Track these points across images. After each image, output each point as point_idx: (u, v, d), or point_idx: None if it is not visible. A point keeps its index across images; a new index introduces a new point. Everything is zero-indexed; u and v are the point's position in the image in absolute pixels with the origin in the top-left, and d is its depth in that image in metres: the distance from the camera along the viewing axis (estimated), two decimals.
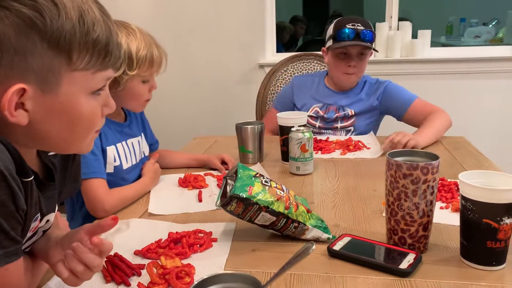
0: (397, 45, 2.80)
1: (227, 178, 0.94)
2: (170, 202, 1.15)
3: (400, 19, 2.89)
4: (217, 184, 1.26)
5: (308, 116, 1.78)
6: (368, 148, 1.55)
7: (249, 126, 1.44)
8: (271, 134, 1.81)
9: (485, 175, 0.81)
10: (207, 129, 2.89)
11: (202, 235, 0.93)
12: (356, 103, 1.80)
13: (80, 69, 0.60)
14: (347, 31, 1.68)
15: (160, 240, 0.91)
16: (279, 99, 1.98)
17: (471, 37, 4.00)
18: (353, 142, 1.57)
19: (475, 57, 2.79)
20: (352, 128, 1.79)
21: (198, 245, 0.88)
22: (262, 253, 0.86)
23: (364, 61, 1.75)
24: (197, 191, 1.21)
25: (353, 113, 1.79)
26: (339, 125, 1.79)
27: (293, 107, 1.88)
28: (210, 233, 0.94)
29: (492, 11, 4.16)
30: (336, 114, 1.80)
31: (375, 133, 1.81)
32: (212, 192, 1.20)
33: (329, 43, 1.76)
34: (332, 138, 1.68)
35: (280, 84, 2.22)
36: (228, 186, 0.93)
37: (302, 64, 2.25)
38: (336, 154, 1.51)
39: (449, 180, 1.16)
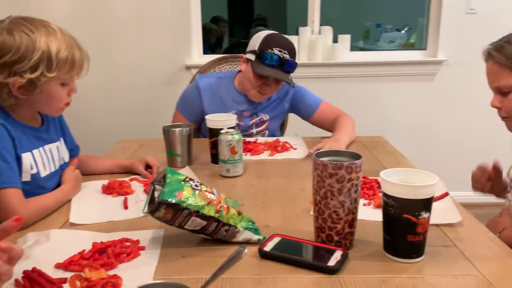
0: (318, 49, 2.90)
1: (155, 183, 0.91)
2: (94, 210, 1.10)
3: (321, 24, 2.99)
4: (144, 190, 1.21)
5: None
6: (295, 149, 1.59)
7: (177, 129, 1.42)
8: None
9: (404, 173, 0.86)
10: (133, 132, 2.80)
11: (129, 243, 0.89)
12: (269, 107, 1.83)
13: None
14: (273, 57, 1.63)
15: (83, 251, 0.86)
16: (184, 104, 1.82)
17: (386, 42, 4.25)
18: (281, 144, 1.60)
19: (390, 61, 2.97)
20: (266, 131, 1.84)
21: (125, 255, 0.85)
22: (193, 259, 0.85)
23: (280, 86, 1.74)
24: (122, 198, 1.16)
25: (267, 117, 1.82)
26: (254, 130, 1.82)
27: (201, 115, 1.76)
28: (138, 241, 0.90)
29: (405, 18, 4.45)
30: (252, 121, 1.81)
31: (283, 132, 1.87)
32: (138, 198, 1.16)
33: (251, 56, 1.69)
34: (261, 139, 1.70)
35: None
36: (156, 192, 0.90)
37: (228, 66, 2.25)
38: (265, 155, 1.53)
39: (370, 177, 1.22)
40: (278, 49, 1.64)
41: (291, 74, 1.69)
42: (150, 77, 2.90)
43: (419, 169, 0.87)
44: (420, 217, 0.79)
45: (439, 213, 0.96)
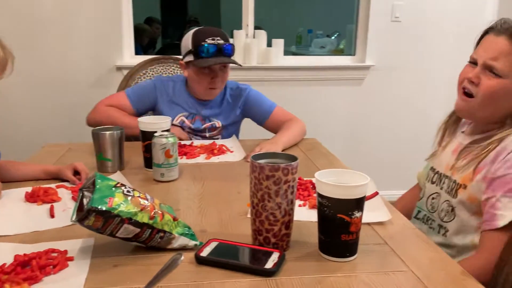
0: (253, 53, 2.92)
1: (84, 190, 0.86)
2: (16, 220, 1.02)
3: (255, 28, 3.02)
4: (72, 197, 1.15)
5: (174, 125, 1.73)
6: (232, 152, 1.58)
7: (107, 132, 1.35)
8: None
9: (337, 173, 0.88)
10: (59, 136, 2.65)
11: (55, 254, 0.84)
12: (221, 115, 1.81)
13: None
14: (209, 48, 1.65)
15: (4, 264, 0.79)
16: (137, 93, 1.80)
17: (317, 47, 4.38)
18: (217, 146, 1.59)
19: (321, 66, 3.06)
20: (219, 136, 1.82)
21: (51, 266, 0.79)
22: (126, 268, 0.81)
23: (227, 73, 1.76)
24: (48, 205, 1.08)
25: (220, 125, 1.81)
26: (207, 134, 1.80)
27: (151, 109, 1.80)
28: (65, 251, 0.85)
29: (335, 24, 4.62)
30: (204, 126, 1.79)
31: (238, 136, 1.87)
32: (66, 206, 1.09)
33: (189, 57, 1.70)
34: (197, 142, 1.68)
35: None
36: (85, 199, 0.85)
37: (161, 67, 2.20)
38: (201, 158, 1.51)
39: (305, 179, 1.24)
40: (210, 38, 1.66)
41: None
42: (78, 78, 2.77)
43: (351, 170, 0.90)
44: (353, 217, 0.81)
45: (370, 212, 0.99)
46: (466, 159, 1.11)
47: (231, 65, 1.73)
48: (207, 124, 1.79)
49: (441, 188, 1.20)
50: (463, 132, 1.21)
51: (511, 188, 1.00)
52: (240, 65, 1.75)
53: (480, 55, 1.07)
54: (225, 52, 1.67)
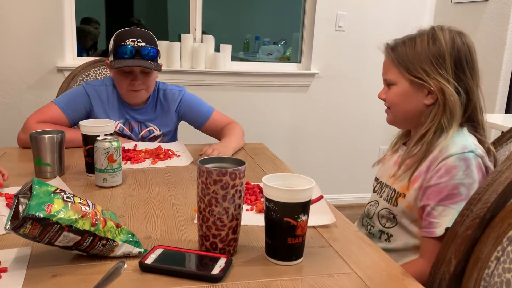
0: (201, 57, 2.91)
1: (19, 196, 0.81)
2: None
3: (203, 32, 3.01)
4: (6, 204, 1.08)
5: (115, 133, 1.67)
6: (178, 156, 1.56)
7: (46, 136, 1.29)
8: (40, 126, 1.52)
9: (283, 178, 0.89)
10: None
11: None
12: (157, 119, 1.77)
13: None
14: (127, 48, 1.59)
15: None
16: (70, 101, 1.68)
17: (264, 54, 4.43)
18: (163, 151, 1.56)
19: (268, 72, 3.10)
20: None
21: None
22: (65, 278, 0.77)
23: (150, 77, 1.68)
24: None
25: (159, 132, 1.77)
26: (146, 141, 1.76)
27: (86, 117, 1.68)
28: None
29: (281, 32, 4.70)
30: (142, 133, 1.75)
31: (176, 137, 1.85)
32: None
33: (111, 57, 1.65)
34: (141, 146, 1.63)
35: None
36: (20, 206, 0.80)
37: (105, 69, 2.14)
38: (147, 163, 1.47)
39: (252, 183, 1.25)
40: (130, 39, 1.61)
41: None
42: (14, 79, 2.64)
43: (297, 174, 0.91)
44: (299, 220, 0.82)
45: (315, 215, 1.01)
46: (403, 169, 1.16)
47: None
48: (145, 131, 1.75)
49: (381, 197, 1.25)
50: (404, 143, 1.27)
51: (444, 197, 1.05)
52: (157, 70, 1.65)
53: (382, 75, 1.22)
54: (145, 54, 1.61)
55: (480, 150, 1.08)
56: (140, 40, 1.61)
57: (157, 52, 1.66)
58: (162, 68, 1.72)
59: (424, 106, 1.14)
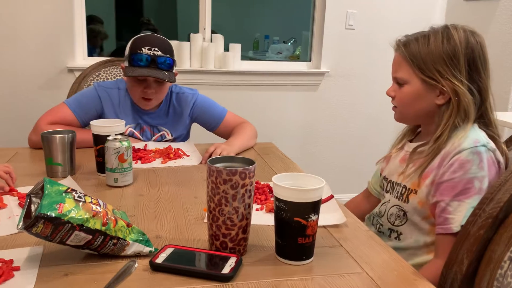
0: (211, 57, 2.91)
1: (31, 195, 0.82)
2: None
3: (212, 32, 3.01)
4: (19, 204, 1.09)
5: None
6: (188, 156, 1.56)
7: (57, 136, 1.30)
8: (53, 127, 1.52)
9: (293, 177, 0.89)
10: (6, 140, 2.53)
11: (0, 264, 0.79)
12: (169, 123, 1.76)
13: None
14: (142, 56, 1.57)
15: None
16: (81, 103, 1.67)
17: (274, 53, 4.43)
18: (173, 150, 1.56)
19: (278, 71, 3.10)
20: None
21: None
22: (77, 277, 0.78)
23: (163, 86, 1.67)
24: None
25: (170, 135, 1.76)
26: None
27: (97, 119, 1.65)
28: (11, 261, 0.81)
29: (291, 31, 4.69)
30: (154, 137, 1.74)
31: (188, 139, 1.84)
32: (12, 213, 1.04)
33: (126, 63, 1.64)
34: (151, 146, 1.64)
35: None
36: (32, 205, 0.81)
37: (115, 69, 2.15)
38: (157, 163, 1.48)
39: (262, 183, 1.25)
40: (146, 48, 1.59)
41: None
42: (25, 79, 2.66)
43: (307, 173, 0.91)
44: (309, 220, 0.82)
45: (326, 215, 1.01)
46: (414, 166, 1.15)
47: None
48: (157, 135, 1.75)
49: (391, 194, 1.24)
50: (410, 141, 1.26)
51: (459, 192, 1.04)
52: (171, 81, 1.62)
53: (391, 72, 1.21)
54: (159, 64, 1.59)
55: (492, 144, 1.07)
56: (156, 49, 1.59)
57: (173, 61, 1.64)
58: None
59: (435, 106, 1.13)
